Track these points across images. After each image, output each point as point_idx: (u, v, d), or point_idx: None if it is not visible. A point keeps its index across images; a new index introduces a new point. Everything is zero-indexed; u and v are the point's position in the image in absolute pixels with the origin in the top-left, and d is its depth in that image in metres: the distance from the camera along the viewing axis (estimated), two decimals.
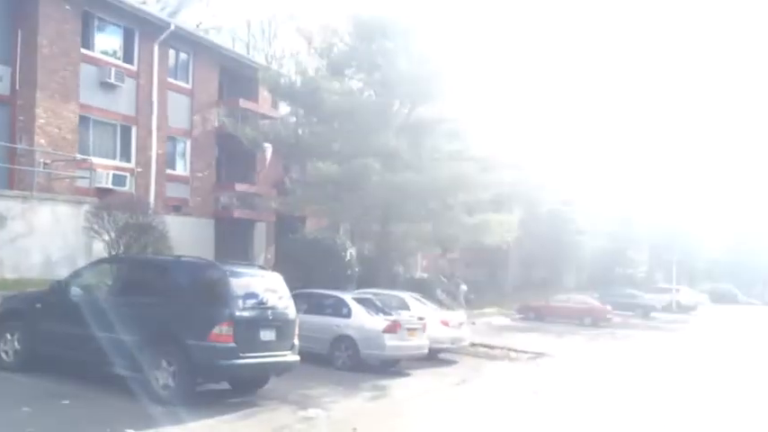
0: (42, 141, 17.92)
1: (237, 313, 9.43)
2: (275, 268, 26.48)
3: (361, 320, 14.36)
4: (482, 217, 21.99)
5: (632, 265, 50.64)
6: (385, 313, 14.98)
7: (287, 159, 25.19)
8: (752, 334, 31.34)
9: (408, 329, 14.58)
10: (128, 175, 20.14)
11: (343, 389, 12.20)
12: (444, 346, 16.67)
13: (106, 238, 16.78)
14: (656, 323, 35.69)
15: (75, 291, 10.31)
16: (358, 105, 21.81)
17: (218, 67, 24.36)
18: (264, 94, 26.74)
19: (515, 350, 19.72)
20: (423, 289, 22.44)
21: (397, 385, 13.22)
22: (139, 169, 21.08)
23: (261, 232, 26.55)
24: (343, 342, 14.23)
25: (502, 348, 20.00)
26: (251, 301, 9.85)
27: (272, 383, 10.79)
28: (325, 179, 22.64)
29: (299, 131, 23.78)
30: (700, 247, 56.34)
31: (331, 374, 13.45)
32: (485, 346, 19.88)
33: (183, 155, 23.47)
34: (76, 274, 10.67)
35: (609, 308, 34.34)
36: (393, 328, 14.17)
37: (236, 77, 25.31)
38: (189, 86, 23.34)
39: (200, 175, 23.70)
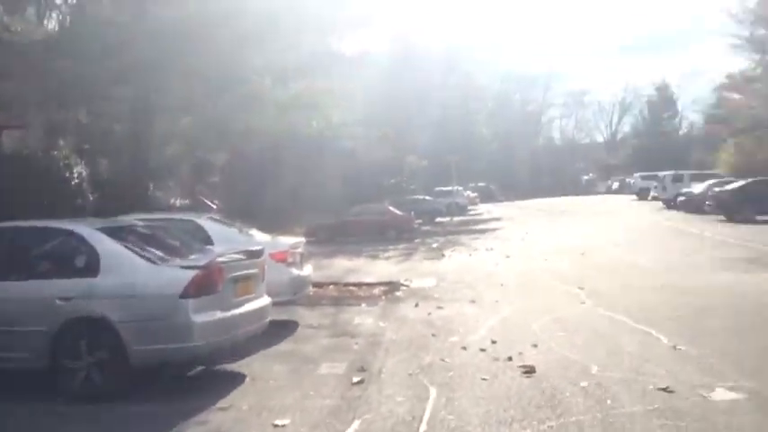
0: None
1: None
2: None
3: (128, 276, 6.14)
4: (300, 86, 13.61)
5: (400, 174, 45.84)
6: (176, 254, 6.93)
7: None
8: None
9: (237, 281, 6.74)
10: None
11: None
12: (285, 298, 9.12)
13: None
14: (471, 229, 30.36)
15: None
16: None
17: None
18: None
19: (365, 284, 13.62)
20: None
21: None
22: None
23: None
24: (86, 333, 5.97)
25: (345, 285, 13.56)
26: None
27: None
28: None
29: None
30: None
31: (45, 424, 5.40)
32: (316, 284, 13.09)
33: None
34: None
35: (413, 216, 29.21)
36: (208, 284, 6.20)
37: None
38: None
39: None
